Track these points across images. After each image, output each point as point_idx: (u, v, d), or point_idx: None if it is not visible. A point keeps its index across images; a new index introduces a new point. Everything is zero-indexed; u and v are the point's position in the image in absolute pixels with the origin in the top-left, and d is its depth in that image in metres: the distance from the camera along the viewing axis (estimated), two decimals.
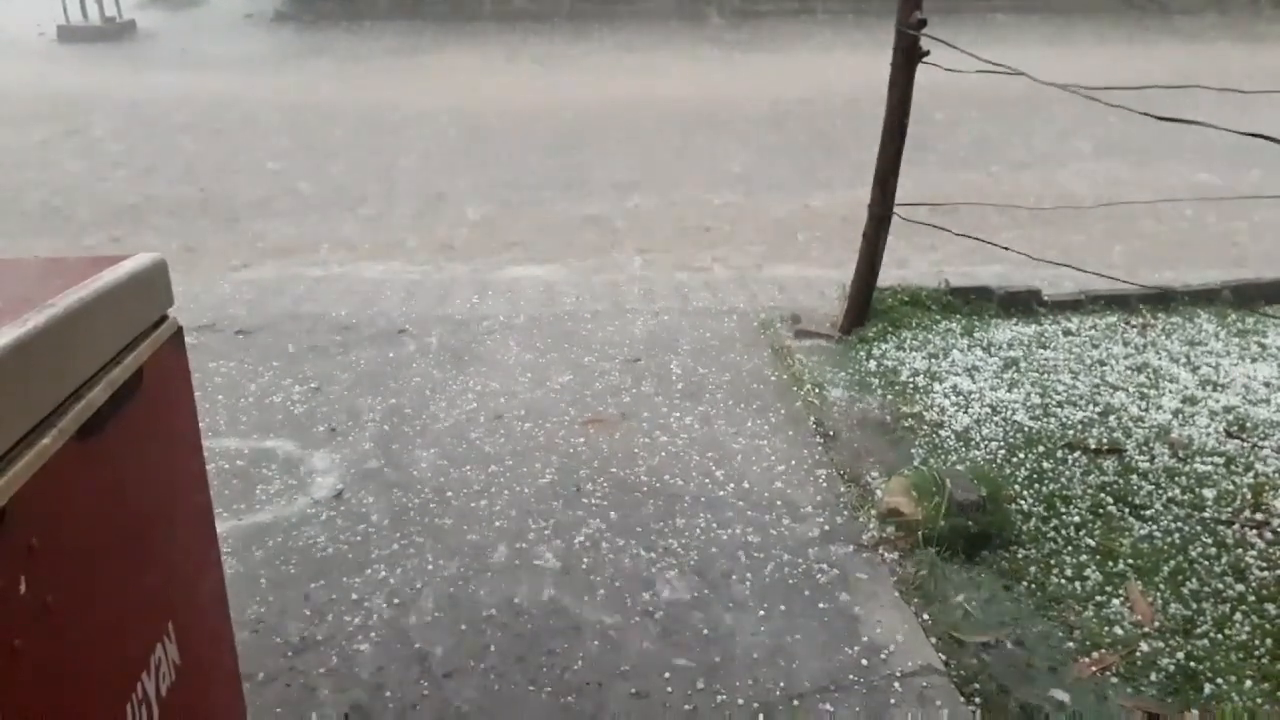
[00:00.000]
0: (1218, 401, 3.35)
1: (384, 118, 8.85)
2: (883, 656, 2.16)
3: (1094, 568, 2.46)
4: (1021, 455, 2.98)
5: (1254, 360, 3.70)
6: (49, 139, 8.06)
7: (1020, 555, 2.52)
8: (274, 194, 6.56)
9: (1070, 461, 2.95)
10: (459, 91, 10.08)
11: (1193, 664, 2.13)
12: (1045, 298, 4.27)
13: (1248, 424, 3.18)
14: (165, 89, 10.11)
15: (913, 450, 3.03)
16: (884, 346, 3.79)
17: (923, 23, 3.40)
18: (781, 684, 2.08)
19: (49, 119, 8.68)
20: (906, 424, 3.20)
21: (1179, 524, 2.63)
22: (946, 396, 3.38)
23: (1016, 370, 3.59)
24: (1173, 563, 2.46)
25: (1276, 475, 2.87)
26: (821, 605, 2.34)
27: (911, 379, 3.51)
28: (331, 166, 7.26)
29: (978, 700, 2.04)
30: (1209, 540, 2.55)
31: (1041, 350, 3.78)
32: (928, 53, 3.45)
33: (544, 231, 5.80)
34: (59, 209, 6.24)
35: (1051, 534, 2.60)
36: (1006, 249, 3.86)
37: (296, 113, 9.09)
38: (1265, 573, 2.42)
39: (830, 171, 6.95)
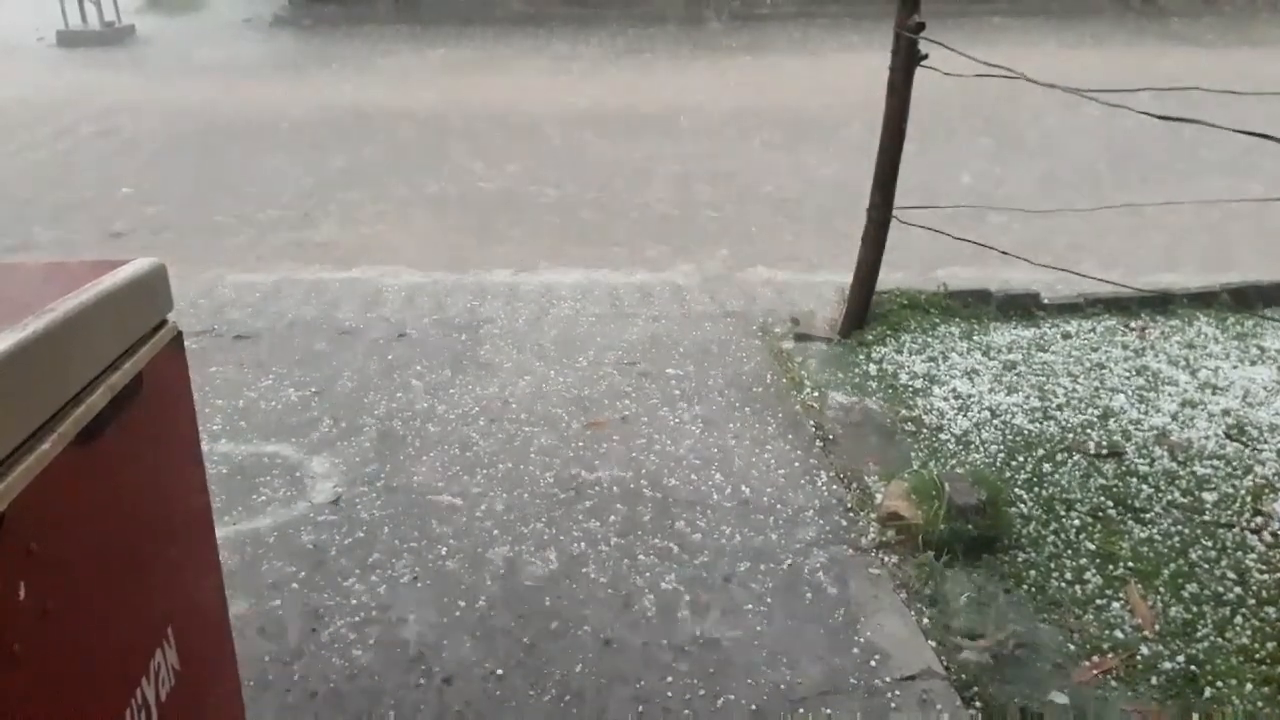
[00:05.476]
0: (1217, 404, 3.35)
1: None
2: (883, 660, 2.16)
3: (1094, 571, 2.45)
4: (1021, 458, 2.98)
5: (1253, 363, 3.70)
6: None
7: (1020, 559, 2.51)
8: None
9: (1070, 465, 2.95)
10: (459, 93, 10.10)
11: (1193, 667, 2.12)
12: (1044, 301, 4.27)
13: (1247, 427, 3.18)
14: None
15: (912, 453, 3.03)
16: (883, 350, 3.79)
17: (921, 26, 3.41)
18: (781, 688, 2.08)
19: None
20: (906, 427, 3.20)
21: (1179, 527, 2.63)
22: (946, 400, 3.38)
23: (1016, 373, 3.59)
24: (1173, 566, 2.46)
25: (1276, 478, 2.86)
26: (821, 609, 2.34)
27: (910, 382, 3.51)
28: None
29: (977, 704, 2.04)
30: (1209, 543, 2.55)
31: (1040, 353, 3.78)
32: (926, 55, 3.46)
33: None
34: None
35: (1051, 537, 2.60)
36: (1005, 253, 3.86)
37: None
38: (1265, 575, 2.41)
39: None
